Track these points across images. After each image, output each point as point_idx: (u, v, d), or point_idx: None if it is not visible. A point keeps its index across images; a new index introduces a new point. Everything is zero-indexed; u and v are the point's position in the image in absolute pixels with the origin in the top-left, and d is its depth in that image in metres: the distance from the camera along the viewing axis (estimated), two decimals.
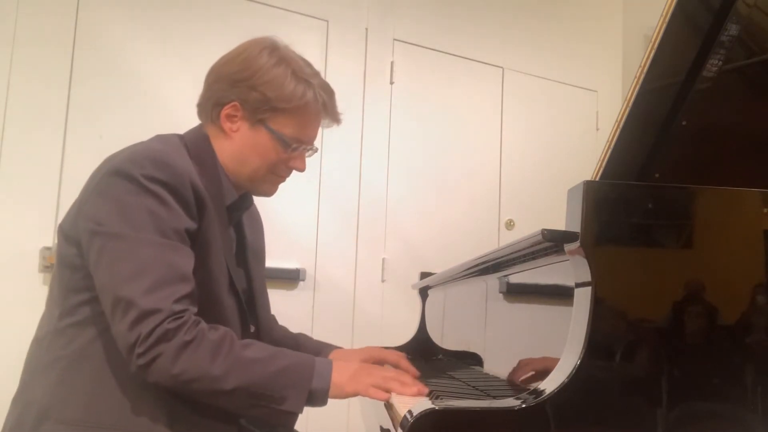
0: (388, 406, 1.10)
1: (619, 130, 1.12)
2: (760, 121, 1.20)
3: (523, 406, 0.82)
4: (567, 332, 0.89)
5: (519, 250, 1.09)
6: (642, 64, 1.12)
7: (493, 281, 1.34)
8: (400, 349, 1.87)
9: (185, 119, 1.27)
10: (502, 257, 1.20)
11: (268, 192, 1.28)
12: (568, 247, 0.89)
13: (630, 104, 1.11)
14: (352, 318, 2.77)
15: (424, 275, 2.03)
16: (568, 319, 0.89)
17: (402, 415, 0.85)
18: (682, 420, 0.86)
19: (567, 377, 0.83)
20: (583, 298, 0.87)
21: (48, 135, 2.27)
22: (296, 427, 1.21)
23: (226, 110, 1.19)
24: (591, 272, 0.86)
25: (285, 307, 2.00)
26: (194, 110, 1.25)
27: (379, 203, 2.88)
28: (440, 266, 1.87)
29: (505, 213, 3.13)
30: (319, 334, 1.63)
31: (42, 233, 2.20)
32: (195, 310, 1.04)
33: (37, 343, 1.12)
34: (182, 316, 1.00)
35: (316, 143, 1.28)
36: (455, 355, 1.66)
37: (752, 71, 1.18)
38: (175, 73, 2.46)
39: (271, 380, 1.02)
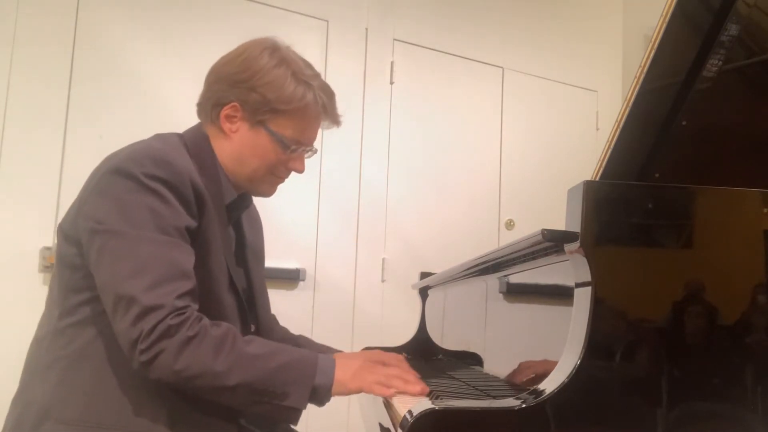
0: (388, 406, 1.10)
1: (619, 130, 1.12)
2: (760, 121, 1.20)
3: (523, 406, 0.82)
4: (567, 332, 0.89)
5: (519, 250, 1.09)
6: (642, 64, 1.12)
7: (493, 281, 1.34)
8: (400, 349, 1.87)
9: (185, 119, 1.27)
10: (502, 257, 1.20)
11: (267, 192, 1.28)
12: (568, 247, 0.89)
13: (630, 104, 1.11)
14: (352, 318, 2.77)
15: (424, 275, 2.03)
16: (568, 319, 0.89)
17: (402, 415, 0.85)
18: (682, 420, 0.86)
19: (567, 377, 0.83)
20: (583, 298, 0.87)
21: (48, 135, 2.27)
22: (296, 426, 1.21)
23: (226, 111, 1.19)
24: (591, 272, 0.86)
25: (285, 307, 2.00)
26: (194, 110, 1.25)
27: (379, 203, 2.88)
28: (440, 266, 1.87)
29: (505, 213, 3.13)
30: (319, 334, 1.63)
31: (42, 233, 2.20)
32: (197, 307, 1.04)
33: (37, 343, 1.12)
34: (184, 312, 1.00)
35: (316, 144, 1.28)
36: (455, 355, 1.66)
37: (752, 71, 1.18)
38: (175, 73, 2.46)
39: (274, 376, 1.02)
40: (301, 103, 1.19)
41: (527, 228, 2.53)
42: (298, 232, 2.69)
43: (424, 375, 1.27)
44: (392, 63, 2.96)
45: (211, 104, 1.20)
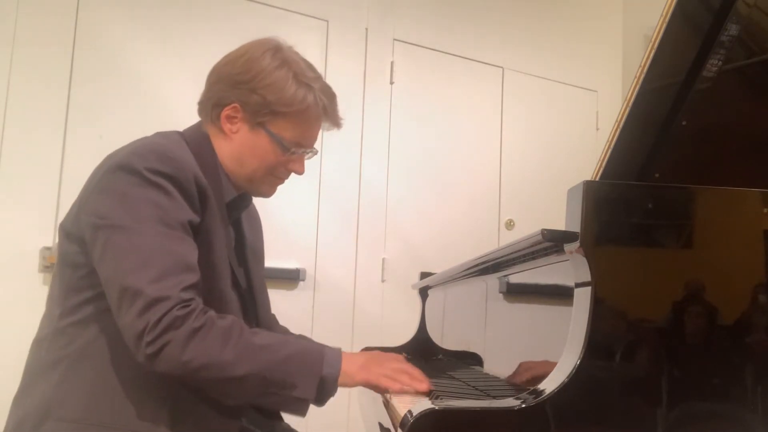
0: (388, 406, 1.09)
1: (619, 130, 1.12)
2: (760, 121, 1.20)
3: (523, 406, 0.82)
4: (567, 332, 0.89)
5: (519, 250, 1.09)
6: (642, 64, 1.12)
7: (493, 281, 1.34)
8: (400, 349, 1.88)
9: (185, 119, 1.27)
10: (502, 257, 1.20)
11: (267, 193, 1.28)
12: (568, 247, 0.89)
13: (630, 104, 1.11)
14: (352, 318, 2.77)
15: (424, 275, 2.03)
16: (568, 319, 0.89)
17: (402, 414, 0.85)
18: (682, 420, 0.86)
19: (567, 377, 0.83)
20: (583, 298, 0.87)
21: (48, 135, 2.27)
22: (296, 426, 1.21)
23: (226, 111, 1.19)
24: (591, 272, 0.86)
25: (285, 307, 2.01)
26: (194, 110, 1.25)
27: (379, 203, 2.88)
28: (440, 266, 1.87)
29: (505, 213, 3.13)
30: (319, 334, 1.63)
31: (42, 233, 2.20)
32: (201, 300, 1.03)
33: (38, 343, 1.12)
34: (190, 304, 0.99)
35: (316, 144, 1.28)
36: (455, 355, 1.66)
37: (752, 71, 1.18)
38: (175, 73, 2.46)
39: (282, 366, 1.02)
40: (301, 106, 1.18)
41: (527, 228, 2.53)
42: (298, 232, 2.69)
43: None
44: (392, 63, 2.96)
45: (211, 104, 1.20)
